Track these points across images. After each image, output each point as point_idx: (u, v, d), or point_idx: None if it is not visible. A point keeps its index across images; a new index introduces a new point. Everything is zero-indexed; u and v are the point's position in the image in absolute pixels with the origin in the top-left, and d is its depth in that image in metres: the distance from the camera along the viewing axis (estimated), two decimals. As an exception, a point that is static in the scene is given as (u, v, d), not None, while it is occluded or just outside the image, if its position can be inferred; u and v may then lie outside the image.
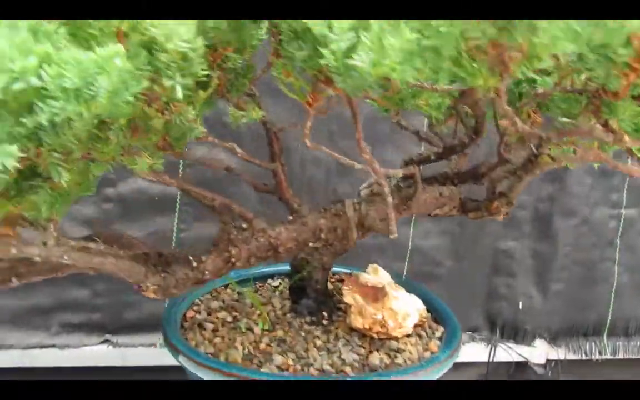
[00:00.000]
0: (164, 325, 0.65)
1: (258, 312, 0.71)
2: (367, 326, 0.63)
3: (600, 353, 1.41)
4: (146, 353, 1.27)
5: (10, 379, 1.04)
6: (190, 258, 0.56)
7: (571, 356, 1.37)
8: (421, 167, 0.68)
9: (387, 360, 0.60)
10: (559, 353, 1.36)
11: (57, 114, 0.35)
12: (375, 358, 0.61)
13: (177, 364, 0.61)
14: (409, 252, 1.20)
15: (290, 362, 0.60)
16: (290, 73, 0.46)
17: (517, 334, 1.34)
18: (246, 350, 0.63)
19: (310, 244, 0.58)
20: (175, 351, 0.60)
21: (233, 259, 0.55)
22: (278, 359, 0.60)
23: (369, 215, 0.58)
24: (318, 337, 0.66)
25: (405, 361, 0.60)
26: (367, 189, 0.70)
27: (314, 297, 0.72)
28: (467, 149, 0.64)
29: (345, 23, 0.37)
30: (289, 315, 0.71)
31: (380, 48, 0.36)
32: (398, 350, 0.62)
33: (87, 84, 0.35)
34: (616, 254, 1.35)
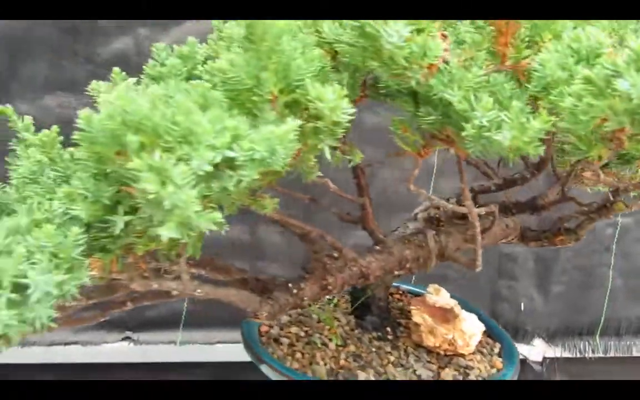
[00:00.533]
0: (248, 339, 0.70)
1: (327, 327, 0.77)
2: (437, 344, 0.69)
3: (593, 352, 1.53)
4: (167, 350, 1.32)
5: (33, 374, 1.07)
6: (290, 285, 0.62)
7: (566, 354, 1.48)
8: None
9: (459, 377, 0.67)
10: (555, 351, 1.47)
11: (243, 178, 0.40)
12: (448, 374, 0.67)
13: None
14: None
15: (372, 377, 0.66)
16: (407, 129, 0.51)
17: (517, 333, 1.44)
18: (327, 365, 0.68)
19: (395, 272, 0.64)
20: (272, 369, 0.64)
21: (330, 287, 0.61)
22: (361, 375, 0.66)
23: (448, 247, 0.65)
24: (390, 352, 0.72)
25: (477, 378, 0.66)
26: (424, 212, 0.76)
27: (377, 313, 0.78)
28: (526, 183, 0.71)
29: (489, 103, 0.42)
30: (356, 331, 0.77)
31: (520, 127, 0.42)
32: (467, 367, 0.68)
33: (270, 155, 0.39)
34: (612, 259, 1.46)
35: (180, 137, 0.37)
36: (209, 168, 0.36)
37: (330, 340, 0.74)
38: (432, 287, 0.77)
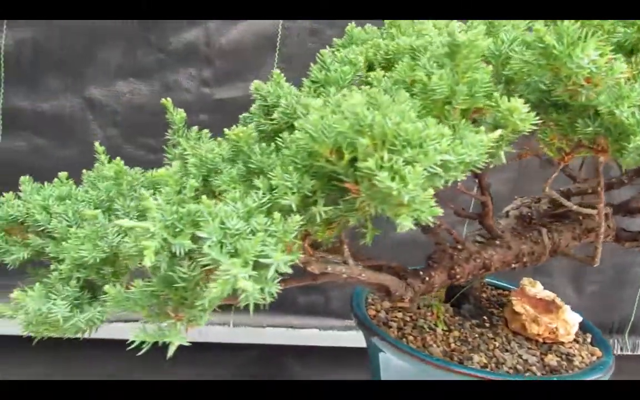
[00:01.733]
0: (365, 322, 0.76)
1: (428, 313, 0.83)
2: (540, 332, 0.75)
3: (621, 349, 1.60)
4: (221, 331, 1.40)
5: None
6: (421, 273, 0.67)
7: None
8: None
9: (563, 363, 0.73)
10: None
11: (451, 179, 0.45)
12: (552, 360, 0.73)
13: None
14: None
15: (485, 361, 0.72)
16: (555, 137, 0.57)
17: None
18: (440, 348, 0.75)
19: (512, 265, 0.70)
20: (392, 347, 0.70)
21: (458, 276, 0.66)
22: (475, 358, 0.72)
23: (560, 243, 0.70)
24: (492, 339, 0.78)
25: (580, 364, 0.72)
26: (516, 210, 0.82)
27: (473, 303, 0.84)
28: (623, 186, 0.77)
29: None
30: (456, 318, 0.83)
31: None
32: (568, 354, 0.74)
33: (479, 159, 0.45)
34: (645, 259, 1.53)
35: (405, 141, 0.43)
36: (438, 170, 0.42)
37: (436, 325, 0.80)
38: (527, 280, 0.83)
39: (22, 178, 0.66)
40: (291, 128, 0.59)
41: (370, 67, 0.62)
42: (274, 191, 0.50)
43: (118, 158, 0.61)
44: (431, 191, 0.41)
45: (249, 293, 0.40)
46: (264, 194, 0.50)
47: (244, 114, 0.70)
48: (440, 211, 0.43)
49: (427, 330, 0.79)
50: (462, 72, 0.48)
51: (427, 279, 0.66)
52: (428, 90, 0.48)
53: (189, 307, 0.49)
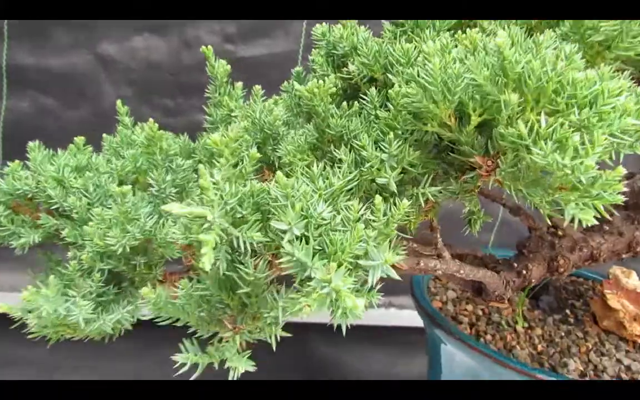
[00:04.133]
0: (435, 319, 0.64)
1: (500, 305, 0.71)
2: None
3: None
4: None
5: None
6: (515, 264, 0.55)
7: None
8: None
9: (674, 370, 0.61)
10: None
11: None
12: (660, 366, 0.61)
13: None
14: (497, 224, 1.25)
15: (581, 367, 0.61)
16: None
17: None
18: (526, 350, 0.63)
19: (623, 256, 0.58)
20: (471, 349, 0.59)
21: (561, 269, 0.54)
22: (571, 364, 0.60)
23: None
24: (583, 339, 0.66)
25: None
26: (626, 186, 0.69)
27: (554, 294, 0.72)
28: None
29: None
30: (536, 312, 0.71)
31: None
32: (677, 359, 0.63)
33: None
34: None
35: (572, 98, 0.30)
36: (624, 138, 0.29)
37: (516, 322, 0.68)
38: (618, 269, 0.71)
39: (30, 144, 0.54)
40: (371, 84, 0.46)
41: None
42: (362, 165, 0.38)
43: (151, 120, 0.48)
44: (621, 169, 0.28)
45: (356, 312, 0.28)
46: (349, 169, 0.38)
47: (297, 69, 0.57)
48: (620, 198, 0.30)
49: (505, 327, 0.67)
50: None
51: (523, 272, 0.54)
52: (583, 31, 0.35)
53: (253, 318, 0.37)
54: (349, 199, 0.36)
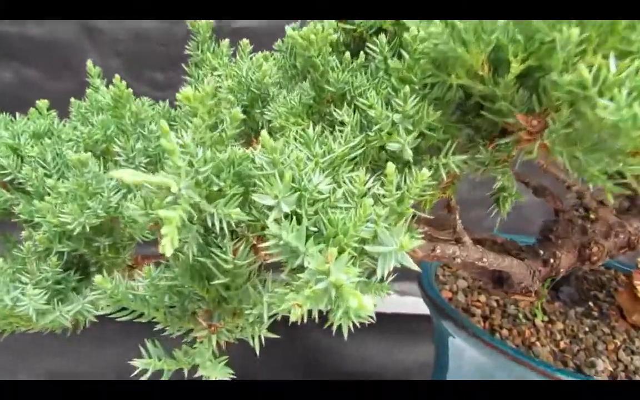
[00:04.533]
0: (445, 310, 0.58)
1: (516, 295, 0.64)
2: (679, 330, 0.57)
3: None
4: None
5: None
6: (541, 252, 0.48)
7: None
8: None
9: None
10: None
11: None
12: (697, 367, 0.55)
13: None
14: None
15: (610, 368, 0.54)
16: None
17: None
18: (547, 347, 0.56)
19: (663, 243, 0.51)
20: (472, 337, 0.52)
21: (594, 258, 0.47)
22: (599, 364, 0.54)
23: None
24: (610, 335, 0.59)
25: None
26: None
27: (575, 284, 0.65)
28: None
29: None
30: (556, 304, 0.64)
31: None
32: None
33: None
34: None
35: (648, 37, 0.23)
36: None
37: (534, 315, 0.61)
38: (649, 258, 0.64)
39: (-17, 107, 0.47)
40: (377, 35, 0.39)
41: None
42: (369, 128, 0.31)
43: (118, 77, 0.41)
44: None
45: (363, 313, 0.21)
46: (353, 133, 0.31)
47: (292, 24, 0.49)
48: None
49: (523, 320, 0.60)
50: None
51: (551, 260, 0.47)
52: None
53: (232, 314, 0.30)
54: (352, 170, 0.29)
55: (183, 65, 0.51)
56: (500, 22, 0.25)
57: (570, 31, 0.23)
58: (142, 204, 0.26)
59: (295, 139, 0.31)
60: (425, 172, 0.25)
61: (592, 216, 0.50)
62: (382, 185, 0.26)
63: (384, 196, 0.26)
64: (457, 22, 0.25)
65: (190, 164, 0.26)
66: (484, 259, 0.38)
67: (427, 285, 0.63)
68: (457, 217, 0.38)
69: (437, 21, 0.26)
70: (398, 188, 0.27)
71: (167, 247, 0.22)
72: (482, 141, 0.31)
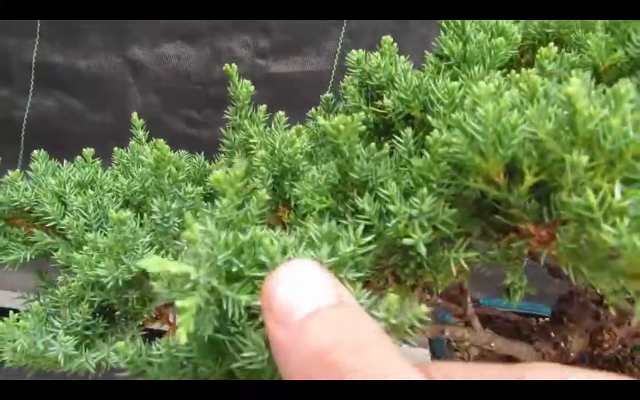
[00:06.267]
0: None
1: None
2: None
3: None
4: None
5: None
6: (552, 334, 0.49)
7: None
8: None
9: None
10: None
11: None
12: None
13: None
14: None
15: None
16: None
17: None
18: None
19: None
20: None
21: (605, 345, 0.48)
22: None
23: None
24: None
25: None
26: None
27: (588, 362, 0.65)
28: None
29: None
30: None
31: None
32: None
33: None
34: None
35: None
36: None
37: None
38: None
39: (34, 152, 0.50)
40: (406, 121, 0.41)
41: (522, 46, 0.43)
42: (387, 220, 0.33)
43: (161, 141, 0.44)
44: None
45: None
46: (369, 223, 0.33)
47: (326, 95, 0.52)
48: None
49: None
50: None
51: (561, 344, 0.48)
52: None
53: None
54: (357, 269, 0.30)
55: (220, 107, 0.54)
56: (516, 139, 0.27)
57: (581, 157, 0.24)
58: (167, 284, 0.28)
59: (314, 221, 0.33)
60: (423, 308, 0.25)
61: (605, 301, 0.50)
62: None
63: (385, 318, 0.26)
64: (476, 134, 0.27)
65: (212, 249, 0.28)
66: (492, 344, 0.39)
67: (438, 350, 0.63)
68: (469, 300, 0.39)
69: (458, 131, 0.28)
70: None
71: (182, 335, 0.24)
72: (494, 236, 0.32)
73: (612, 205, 0.24)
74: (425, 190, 0.30)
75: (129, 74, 1.15)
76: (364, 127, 0.35)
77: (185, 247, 0.25)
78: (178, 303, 0.22)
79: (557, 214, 0.27)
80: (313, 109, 0.52)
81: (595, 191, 0.25)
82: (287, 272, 0.23)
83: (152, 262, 0.22)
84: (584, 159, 0.24)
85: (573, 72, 0.29)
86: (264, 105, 0.51)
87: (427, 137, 0.31)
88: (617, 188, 0.24)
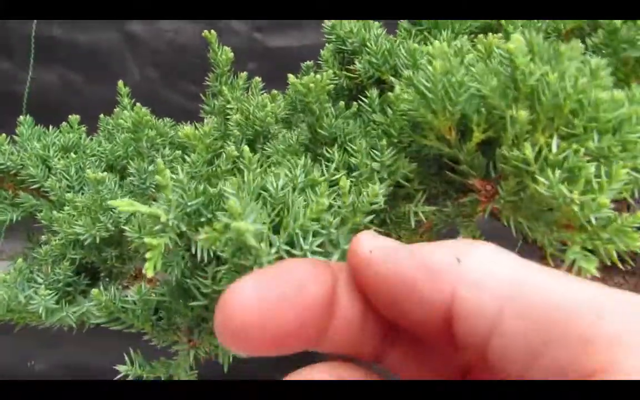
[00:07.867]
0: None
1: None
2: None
3: None
4: None
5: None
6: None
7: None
8: None
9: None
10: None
11: None
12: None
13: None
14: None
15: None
16: None
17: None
18: None
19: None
20: None
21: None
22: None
23: None
24: None
25: None
26: None
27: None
28: None
29: None
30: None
31: None
32: None
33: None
34: None
35: (591, 121, 0.25)
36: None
37: None
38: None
39: (20, 118, 0.52)
40: (378, 85, 0.42)
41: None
42: (353, 173, 0.34)
43: (138, 105, 0.45)
44: (608, 200, 0.23)
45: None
46: (336, 170, 0.34)
47: (306, 62, 0.53)
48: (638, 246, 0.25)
49: None
50: None
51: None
52: (617, 43, 0.30)
53: (210, 334, 0.33)
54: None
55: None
56: (465, 95, 0.28)
57: (520, 111, 0.25)
58: (137, 228, 0.30)
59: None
60: (376, 189, 0.27)
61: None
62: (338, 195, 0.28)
63: (339, 207, 0.28)
64: (427, 91, 0.28)
65: (182, 197, 0.29)
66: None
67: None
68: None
69: (412, 89, 0.29)
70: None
71: (149, 270, 0.25)
72: (453, 195, 0.33)
73: (549, 158, 0.25)
74: (384, 142, 0.31)
75: (127, 47, 1.16)
76: (332, 86, 0.36)
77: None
78: (146, 240, 0.24)
79: (500, 168, 0.28)
80: (292, 77, 0.53)
81: (535, 146, 0.25)
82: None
83: (124, 203, 0.23)
84: (524, 114, 0.25)
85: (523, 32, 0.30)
86: (245, 73, 0.52)
87: (389, 94, 0.32)
88: (554, 142, 0.25)
